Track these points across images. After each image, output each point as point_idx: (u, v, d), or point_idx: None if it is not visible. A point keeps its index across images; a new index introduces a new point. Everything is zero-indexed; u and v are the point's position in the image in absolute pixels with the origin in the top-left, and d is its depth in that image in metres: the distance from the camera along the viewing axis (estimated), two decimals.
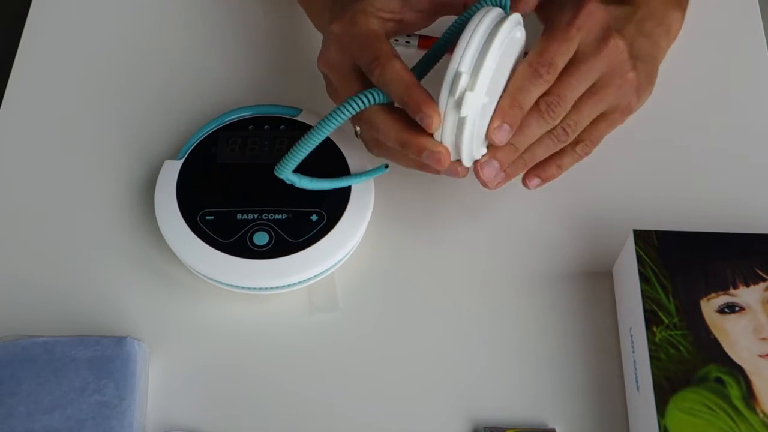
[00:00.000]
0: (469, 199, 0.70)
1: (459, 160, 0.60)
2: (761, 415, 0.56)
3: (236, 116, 0.70)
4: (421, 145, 0.58)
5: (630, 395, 0.62)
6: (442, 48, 0.62)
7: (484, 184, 0.61)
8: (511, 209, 0.70)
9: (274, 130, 0.69)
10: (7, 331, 0.63)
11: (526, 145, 0.61)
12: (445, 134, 0.58)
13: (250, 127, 0.70)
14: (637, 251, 0.62)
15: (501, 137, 0.59)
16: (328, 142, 0.68)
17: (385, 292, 0.67)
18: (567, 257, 0.68)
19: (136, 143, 0.73)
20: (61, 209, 0.70)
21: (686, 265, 0.61)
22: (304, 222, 0.65)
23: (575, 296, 0.66)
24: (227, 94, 0.75)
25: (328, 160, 0.67)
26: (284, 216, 0.65)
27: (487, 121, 0.59)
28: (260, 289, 0.64)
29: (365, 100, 0.58)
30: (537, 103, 0.59)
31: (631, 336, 0.62)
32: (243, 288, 0.64)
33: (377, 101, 0.59)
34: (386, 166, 0.66)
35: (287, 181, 0.62)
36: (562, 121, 0.61)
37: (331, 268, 0.65)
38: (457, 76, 0.56)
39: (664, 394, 0.57)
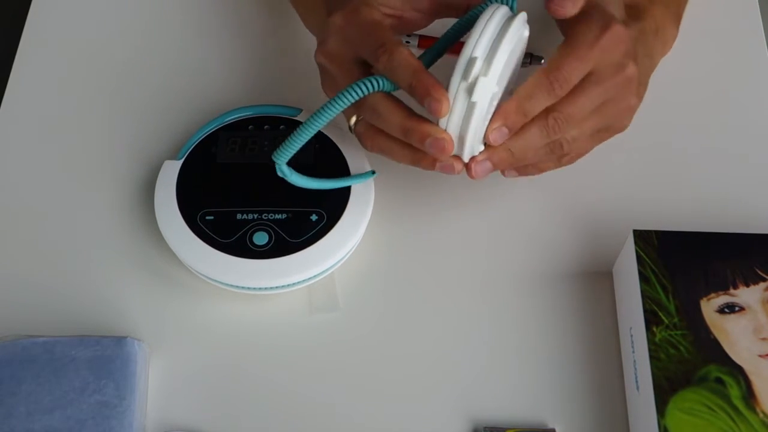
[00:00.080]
0: (469, 200, 0.70)
1: (454, 156, 0.60)
2: (761, 415, 0.56)
3: (236, 116, 0.70)
4: (425, 131, 0.58)
5: (630, 395, 0.62)
6: (444, 45, 0.62)
7: (471, 177, 0.61)
8: (511, 209, 0.70)
9: (274, 130, 0.69)
10: (7, 331, 0.63)
11: (522, 152, 0.60)
12: (451, 121, 0.58)
13: (250, 127, 0.70)
14: (637, 251, 0.62)
15: (498, 138, 0.59)
16: (328, 142, 0.68)
17: (385, 292, 0.67)
18: (567, 257, 0.68)
19: (136, 143, 0.73)
20: (61, 209, 0.70)
21: (686, 265, 0.61)
22: (304, 222, 0.65)
23: (575, 296, 0.67)
24: (227, 94, 0.75)
25: (327, 160, 0.67)
26: (284, 216, 0.65)
27: (490, 117, 0.59)
28: (260, 289, 0.64)
29: (369, 85, 0.58)
30: (544, 116, 0.59)
31: (631, 336, 0.62)
32: (243, 288, 0.64)
33: (381, 88, 0.59)
34: (373, 172, 0.66)
35: (278, 172, 0.61)
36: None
37: (331, 268, 0.65)
38: (472, 60, 0.56)
39: (664, 394, 0.57)
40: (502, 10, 0.58)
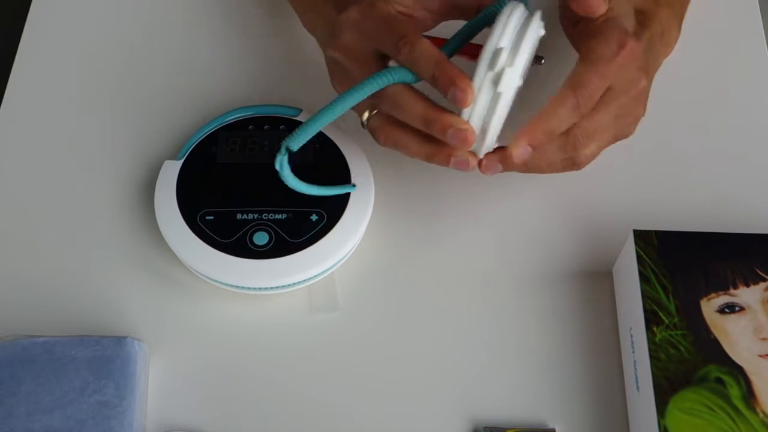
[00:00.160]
0: (469, 200, 0.70)
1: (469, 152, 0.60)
2: (761, 415, 0.56)
3: (236, 116, 0.70)
4: (447, 121, 0.58)
5: (630, 395, 0.62)
6: (457, 44, 0.62)
7: (483, 173, 0.61)
8: (511, 209, 0.70)
9: (274, 130, 0.69)
10: (7, 331, 0.63)
11: (538, 165, 0.61)
12: (474, 112, 0.58)
13: (250, 127, 0.70)
14: (637, 251, 0.62)
15: (521, 155, 0.59)
16: (328, 142, 0.68)
17: (385, 292, 0.67)
18: (567, 257, 0.68)
19: (136, 143, 0.73)
20: (61, 209, 0.70)
21: (686, 265, 0.61)
22: (304, 222, 0.65)
23: (575, 296, 0.67)
24: (227, 94, 0.75)
25: (328, 160, 0.67)
26: (284, 216, 0.65)
27: (506, 112, 0.59)
28: (260, 289, 0.64)
29: (391, 76, 0.58)
30: (565, 132, 0.60)
31: (631, 336, 0.62)
32: (243, 288, 0.64)
33: (402, 79, 0.59)
34: (354, 185, 0.66)
35: (276, 164, 0.60)
36: None
37: (331, 268, 0.65)
38: (498, 51, 0.56)
39: (664, 394, 0.57)
40: (521, 8, 0.59)
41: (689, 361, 0.58)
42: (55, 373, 0.60)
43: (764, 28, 0.79)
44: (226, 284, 0.64)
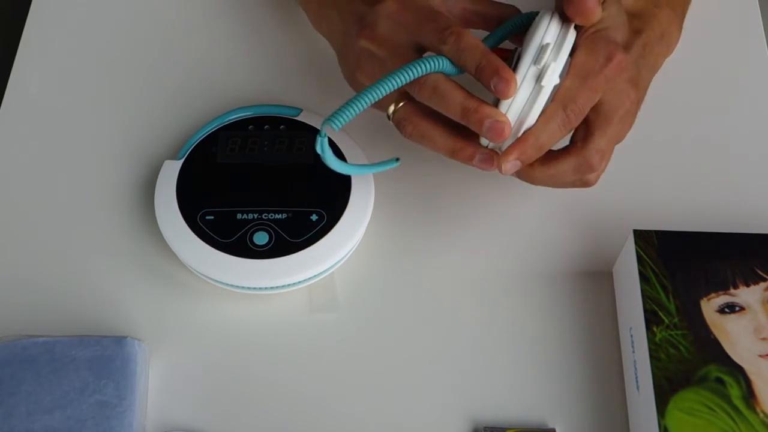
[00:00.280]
0: (469, 200, 0.70)
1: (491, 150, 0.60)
2: (761, 415, 0.56)
3: (236, 116, 0.70)
4: (485, 112, 0.58)
5: (630, 395, 0.62)
6: (490, 45, 0.63)
7: (501, 172, 0.62)
8: (511, 209, 0.70)
9: (274, 130, 0.69)
10: (7, 331, 0.63)
11: (550, 185, 0.63)
12: (513, 106, 0.58)
13: (250, 127, 0.70)
14: (637, 251, 0.62)
15: (510, 170, 0.60)
16: (332, 147, 0.67)
17: (385, 292, 0.67)
18: (567, 257, 0.68)
19: (136, 143, 0.73)
20: (61, 209, 0.70)
21: (686, 265, 0.61)
22: (304, 222, 0.65)
23: (575, 296, 0.67)
24: (227, 94, 0.75)
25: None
26: (284, 216, 0.65)
27: (542, 109, 0.59)
28: (260, 289, 0.64)
29: (435, 64, 0.59)
30: (582, 153, 0.61)
31: (631, 336, 0.62)
32: (243, 288, 0.64)
33: (444, 69, 0.59)
34: (397, 159, 0.65)
35: (317, 145, 0.59)
36: None
37: (331, 268, 0.65)
38: (544, 47, 0.58)
39: (664, 394, 0.57)
40: (557, 14, 0.60)
41: (689, 361, 0.58)
42: (55, 373, 0.60)
43: (764, 28, 0.79)
44: (227, 284, 0.64)
